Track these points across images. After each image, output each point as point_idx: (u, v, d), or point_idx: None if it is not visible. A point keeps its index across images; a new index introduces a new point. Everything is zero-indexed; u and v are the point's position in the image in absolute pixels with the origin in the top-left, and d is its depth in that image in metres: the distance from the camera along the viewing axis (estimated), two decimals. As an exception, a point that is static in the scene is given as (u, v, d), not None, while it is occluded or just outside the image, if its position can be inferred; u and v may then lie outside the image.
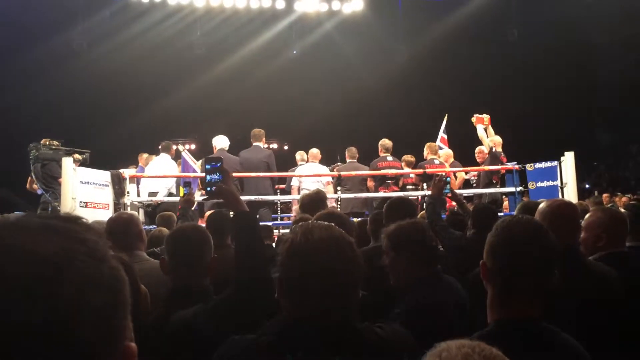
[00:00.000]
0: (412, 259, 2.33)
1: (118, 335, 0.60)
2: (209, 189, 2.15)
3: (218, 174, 2.16)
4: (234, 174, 6.86)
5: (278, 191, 8.60)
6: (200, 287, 2.13)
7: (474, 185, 8.14)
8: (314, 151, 8.00)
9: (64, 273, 0.55)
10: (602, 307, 2.11)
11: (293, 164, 8.96)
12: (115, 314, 0.59)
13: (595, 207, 3.08)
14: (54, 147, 6.80)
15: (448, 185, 4.21)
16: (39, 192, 7.19)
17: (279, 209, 8.36)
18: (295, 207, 7.02)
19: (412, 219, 2.67)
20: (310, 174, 7.55)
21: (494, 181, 7.84)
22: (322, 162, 8.21)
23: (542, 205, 2.46)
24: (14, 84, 12.53)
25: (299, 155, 8.81)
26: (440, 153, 8.42)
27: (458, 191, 6.38)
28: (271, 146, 15.99)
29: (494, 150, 7.88)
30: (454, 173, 8.09)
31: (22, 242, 0.56)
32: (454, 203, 5.13)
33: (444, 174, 5.03)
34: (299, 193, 7.46)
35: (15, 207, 9.73)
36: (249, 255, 1.96)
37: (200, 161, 7.81)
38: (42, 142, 7.04)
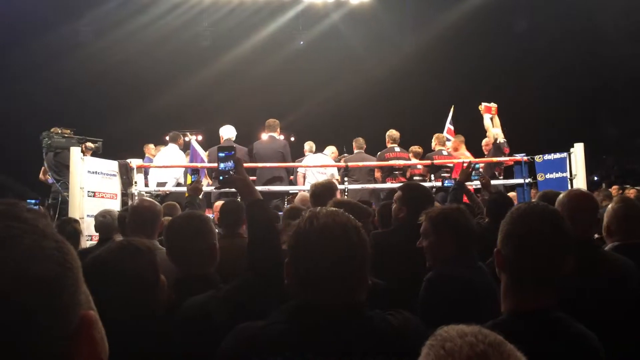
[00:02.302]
0: (452, 243, 2.38)
1: (69, 304, 0.61)
2: (222, 177, 2.15)
3: (231, 162, 2.15)
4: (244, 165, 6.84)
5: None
6: (204, 275, 2.13)
7: (481, 177, 8.09)
8: (332, 148, 8.12)
9: (6, 247, 0.58)
10: (617, 299, 2.09)
11: (300, 154, 8.94)
12: (62, 284, 0.61)
13: (617, 197, 3.09)
14: (66, 135, 6.78)
15: (474, 172, 4.27)
16: (50, 181, 7.19)
17: (286, 199, 8.34)
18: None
19: (431, 204, 2.70)
20: (317, 165, 7.54)
21: (497, 173, 7.78)
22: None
23: (561, 196, 2.48)
24: (21, 75, 12.55)
25: (307, 145, 8.80)
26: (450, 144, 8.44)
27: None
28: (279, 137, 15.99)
29: (498, 141, 7.84)
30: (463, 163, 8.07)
31: None
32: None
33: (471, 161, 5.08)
34: (304, 183, 7.46)
35: (15, 193, 9.78)
36: (262, 243, 1.96)
37: (208, 151, 7.81)
38: (53, 130, 7.01)
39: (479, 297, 2.16)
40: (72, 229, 4.29)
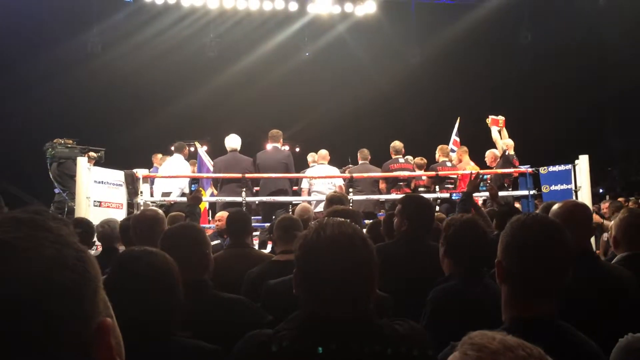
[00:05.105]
0: (458, 257, 2.40)
1: (89, 311, 0.64)
2: None
3: None
4: (248, 175, 6.89)
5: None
6: (195, 281, 2.18)
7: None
8: (323, 152, 7.99)
9: (30, 255, 0.61)
10: (617, 309, 2.10)
11: (305, 165, 8.96)
12: (83, 291, 0.64)
13: (625, 208, 3.08)
14: (69, 145, 6.85)
15: (482, 183, 4.29)
16: (56, 191, 7.25)
17: (290, 210, 8.35)
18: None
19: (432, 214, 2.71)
20: (321, 176, 7.55)
21: (506, 184, 7.80)
22: (333, 163, 8.20)
23: (554, 207, 2.42)
24: (29, 86, 12.64)
25: (311, 157, 8.81)
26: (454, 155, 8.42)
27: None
28: (283, 148, 16.02)
29: (506, 153, 7.84)
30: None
31: None
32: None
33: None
34: (309, 195, 7.46)
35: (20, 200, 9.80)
36: None
37: (214, 161, 7.84)
38: (56, 141, 7.07)
39: (472, 313, 2.16)
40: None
